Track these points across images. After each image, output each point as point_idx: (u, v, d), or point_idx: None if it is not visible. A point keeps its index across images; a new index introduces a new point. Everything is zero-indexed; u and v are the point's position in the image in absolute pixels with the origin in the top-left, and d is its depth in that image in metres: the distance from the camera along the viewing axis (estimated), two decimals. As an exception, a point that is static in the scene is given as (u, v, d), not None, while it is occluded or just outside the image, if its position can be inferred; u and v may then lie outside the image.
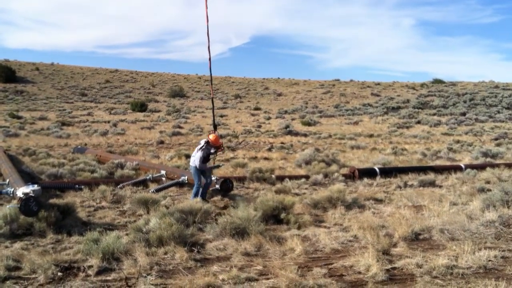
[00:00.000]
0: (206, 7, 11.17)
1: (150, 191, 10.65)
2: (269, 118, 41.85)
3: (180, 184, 11.58)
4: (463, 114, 47.87)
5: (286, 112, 50.92)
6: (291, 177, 12.84)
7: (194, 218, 7.76)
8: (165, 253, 6.30)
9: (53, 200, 8.55)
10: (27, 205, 7.40)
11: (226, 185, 10.58)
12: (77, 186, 10.65)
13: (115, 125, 32.10)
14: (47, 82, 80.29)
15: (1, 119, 34.59)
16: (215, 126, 11.67)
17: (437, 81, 78.85)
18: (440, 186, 12.00)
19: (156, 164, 14.59)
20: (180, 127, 30.61)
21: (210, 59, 11.46)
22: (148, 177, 12.03)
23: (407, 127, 34.94)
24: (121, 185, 11.16)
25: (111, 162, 14.23)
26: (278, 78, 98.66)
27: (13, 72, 78.69)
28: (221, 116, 43.04)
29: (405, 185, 12.20)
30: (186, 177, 11.38)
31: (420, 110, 52.48)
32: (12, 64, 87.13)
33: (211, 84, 12.27)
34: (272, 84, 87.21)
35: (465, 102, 57.77)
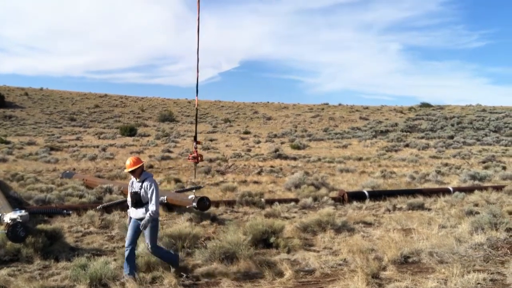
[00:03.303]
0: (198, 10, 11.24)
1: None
2: (258, 142, 41.93)
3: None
4: (451, 137, 48.30)
5: (275, 136, 51.08)
6: (280, 201, 12.82)
7: (183, 243, 7.72)
8: (154, 279, 6.26)
9: (40, 226, 8.46)
10: (14, 231, 7.32)
11: (203, 203, 10.46)
12: (65, 211, 10.56)
13: (104, 149, 31.99)
14: (36, 107, 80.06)
15: (-11, 144, 34.35)
16: (196, 138, 11.56)
17: (425, 105, 79.64)
18: (429, 209, 12.04)
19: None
20: (169, 151, 30.56)
21: (198, 70, 11.44)
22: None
23: (396, 151, 35.14)
24: (99, 206, 11.12)
25: (99, 187, 14.14)
26: (268, 102, 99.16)
27: (1, 97, 78.48)
28: (211, 140, 43.05)
29: (394, 208, 12.23)
30: (165, 197, 11.36)
31: (408, 133, 52.91)
32: (1, 89, 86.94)
33: (197, 88, 11.97)
34: (262, 108, 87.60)
35: (452, 125, 58.34)
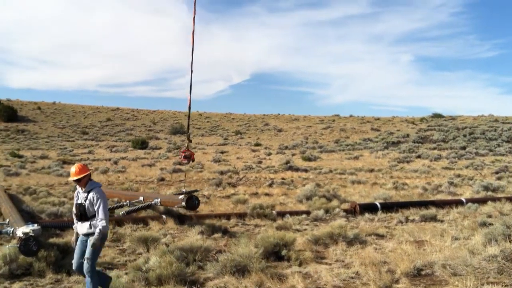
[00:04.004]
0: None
1: (120, 213, 10.94)
2: (269, 154, 41.90)
3: (150, 207, 11.79)
4: (463, 148, 47.96)
5: (286, 147, 51.03)
6: (292, 213, 12.79)
7: (195, 256, 7.71)
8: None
9: (53, 239, 8.50)
10: (27, 244, 7.36)
11: (192, 202, 10.49)
12: (77, 224, 10.59)
13: (116, 162, 32.12)
14: (48, 121, 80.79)
15: (2, 158, 34.64)
16: (188, 137, 11.51)
17: (437, 116, 79.27)
18: (442, 221, 11.94)
19: (136, 193, 14.91)
20: (180, 164, 30.58)
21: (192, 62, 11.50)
22: (125, 203, 12.27)
23: (408, 162, 34.92)
24: (123, 212, 11.33)
25: (110, 200, 14.22)
26: (278, 114, 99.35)
27: (14, 112, 79.32)
28: (222, 152, 43.10)
29: (407, 220, 12.15)
30: (159, 199, 11.53)
31: (420, 144, 52.63)
32: (14, 104, 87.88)
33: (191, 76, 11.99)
34: (273, 120, 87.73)
35: (465, 136, 57.94)
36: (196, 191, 11.62)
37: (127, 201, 12.39)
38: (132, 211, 11.21)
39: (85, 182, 6.00)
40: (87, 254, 5.77)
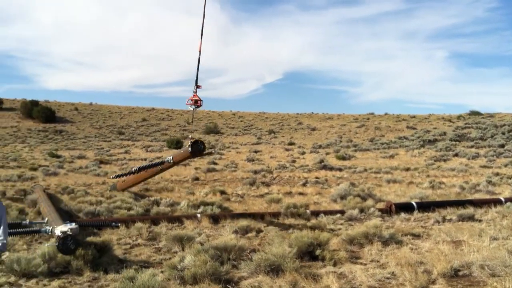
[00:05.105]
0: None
1: (133, 169, 11.72)
2: (303, 153, 41.77)
3: (163, 163, 12.62)
4: (502, 146, 46.81)
5: (320, 146, 50.79)
6: (326, 212, 12.71)
7: (229, 255, 7.74)
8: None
9: (90, 238, 8.67)
10: (65, 243, 7.52)
11: (197, 146, 10.58)
12: (113, 223, 10.77)
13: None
14: (85, 121, 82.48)
15: (41, 158, 35.52)
16: (196, 82, 11.44)
17: (474, 113, 77.66)
18: (480, 221, 11.68)
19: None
20: (214, 164, 30.80)
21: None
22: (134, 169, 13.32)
23: (445, 160, 34.31)
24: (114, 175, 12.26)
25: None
26: (312, 113, 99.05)
27: (53, 113, 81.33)
28: (256, 151, 43.18)
29: (444, 219, 11.93)
30: (171, 157, 11.89)
31: (457, 142, 51.61)
32: (52, 105, 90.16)
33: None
34: (306, 119, 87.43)
35: (503, 133, 56.55)
36: (211, 153, 12.07)
37: (136, 167, 13.08)
38: (145, 167, 11.64)
39: None
40: None
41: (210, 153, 12.12)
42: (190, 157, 11.58)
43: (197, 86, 11.06)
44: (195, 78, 11.24)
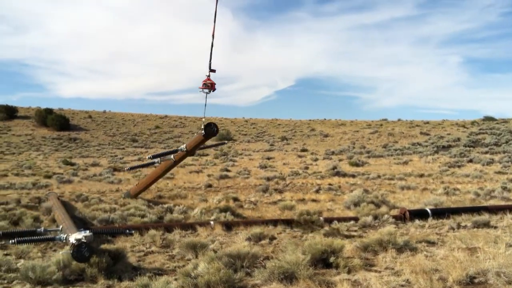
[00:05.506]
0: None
1: (147, 157, 12.10)
2: (316, 160, 41.67)
3: (176, 151, 13.19)
4: (517, 151, 46.28)
5: (333, 153, 50.63)
6: (339, 219, 12.66)
7: (242, 262, 7.74)
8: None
9: (104, 246, 8.71)
10: (79, 251, 7.56)
11: (210, 129, 10.71)
12: (127, 231, 10.82)
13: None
14: (99, 129, 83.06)
15: (56, 166, 35.80)
16: (210, 66, 11.51)
17: (488, 119, 76.98)
18: (495, 227, 11.56)
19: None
20: (227, 170, 30.82)
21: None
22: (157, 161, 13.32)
23: (459, 166, 34.02)
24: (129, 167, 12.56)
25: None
26: (324, 119, 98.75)
27: (67, 120, 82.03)
28: (268, 158, 43.16)
29: (458, 226, 11.82)
30: (185, 145, 12.29)
31: (471, 148, 51.14)
32: (66, 113, 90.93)
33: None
34: (319, 125, 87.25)
35: (518, 139, 55.95)
36: (224, 143, 12.41)
37: (150, 155, 13.94)
38: (159, 155, 11.96)
39: None
40: None
41: (223, 143, 12.44)
42: (204, 140, 11.69)
43: (211, 71, 11.19)
44: (209, 63, 11.39)
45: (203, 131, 10.87)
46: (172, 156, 13.26)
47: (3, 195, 18.30)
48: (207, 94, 11.36)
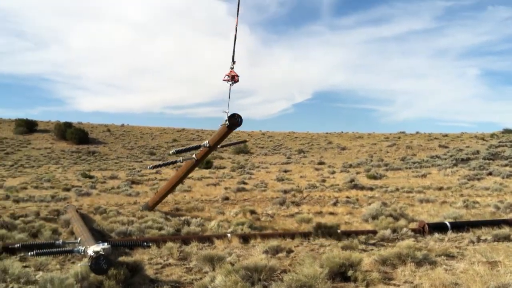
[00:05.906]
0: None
1: (170, 152, 12.92)
2: (333, 172, 41.50)
3: (199, 147, 13.27)
4: (538, 164, 45.59)
5: (350, 165, 50.39)
6: (357, 233, 12.57)
7: (259, 275, 7.71)
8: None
9: (122, 258, 8.75)
10: (98, 263, 7.59)
11: (234, 119, 10.77)
12: (145, 243, 10.84)
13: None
14: (117, 142, 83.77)
15: (74, 179, 36.13)
16: (233, 58, 11.62)
17: (508, 131, 76.09)
18: (517, 241, 11.38)
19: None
20: (244, 183, 30.84)
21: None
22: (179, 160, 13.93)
23: (478, 179, 33.62)
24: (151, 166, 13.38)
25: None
26: (342, 132, 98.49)
27: (85, 134, 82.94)
28: (285, 171, 43.11)
29: (478, 240, 11.66)
30: (208, 141, 12.32)
31: (491, 161, 50.51)
32: (85, 127, 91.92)
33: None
34: (336, 138, 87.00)
35: (539, 151, 55.13)
36: (245, 141, 12.45)
37: (181, 158, 14.23)
38: (182, 150, 12.17)
39: None
40: None
41: (245, 141, 12.60)
42: (228, 132, 11.76)
43: (234, 62, 11.38)
44: (232, 55, 11.61)
45: (227, 122, 11.00)
46: (194, 156, 13.44)
47: (22, 207, 18.51)
48: (231, 86, 11.61)
